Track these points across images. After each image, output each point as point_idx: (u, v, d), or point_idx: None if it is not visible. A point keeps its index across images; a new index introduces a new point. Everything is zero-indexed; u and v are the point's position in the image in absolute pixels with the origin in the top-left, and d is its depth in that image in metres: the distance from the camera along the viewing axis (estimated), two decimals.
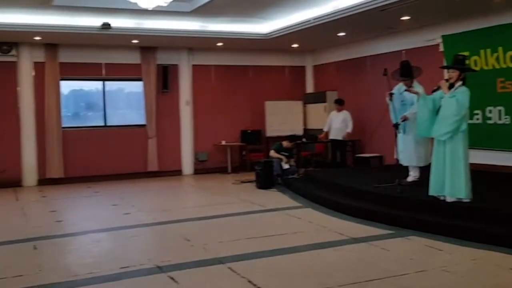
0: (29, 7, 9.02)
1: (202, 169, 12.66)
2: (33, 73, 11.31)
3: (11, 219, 7.87)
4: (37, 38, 10.58)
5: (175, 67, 12.50)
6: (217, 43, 11.79)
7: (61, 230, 7.10)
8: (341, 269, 4.91)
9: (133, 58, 12.03)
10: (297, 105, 13.33)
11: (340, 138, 11.03)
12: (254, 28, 11.12)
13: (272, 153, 10.59)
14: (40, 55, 11.28)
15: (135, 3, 7.66)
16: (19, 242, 6.30)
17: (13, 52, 11.07)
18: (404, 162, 7.65)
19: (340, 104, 11.19)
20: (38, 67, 11.31)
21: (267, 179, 9.98)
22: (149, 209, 8.41)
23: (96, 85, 12.21)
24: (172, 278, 4.70)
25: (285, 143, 10.60)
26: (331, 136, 11.19)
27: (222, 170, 12.59)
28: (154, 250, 6.03)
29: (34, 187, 11.10)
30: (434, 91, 6.50)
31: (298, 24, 10.22)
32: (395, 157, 7.62)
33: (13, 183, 10.96)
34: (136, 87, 12.46)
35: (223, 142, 12.66)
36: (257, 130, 13.01)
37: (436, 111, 6.42)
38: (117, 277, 4.86)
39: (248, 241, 6.09)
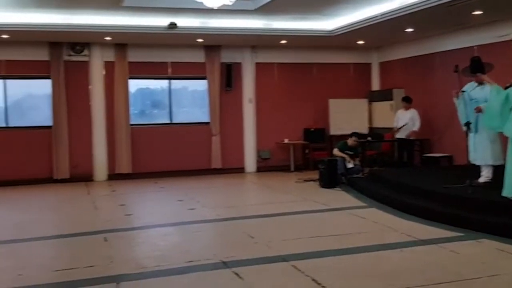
0: (100, 8, 9.38)
1: (264, 167, 12.71)
2: (104, 72, 11.76)
3: (83, 212, 8.23)
4: (108, 38, 10.99)
5: (238, 65, 12.61)
6: (280, 40, 11.78)
7: (130, 223, 7.35)
8: (408, 271, 4.77)
9: (198, 56, 12.25)
10: (362, 103, 13.09)
11: (404, 137, 10.76)
12: (319, 25, 11.02)
13: (336, 151, 10.46)
14: (110, 55, 11.71)
15: (201, 3, 7.78)
16: (91, 234, 6.57)
17: (85, 52, 11.56)
18: (477, 161, 7.33)
19: (407, 102, 10.89)
20: (108, 66, 11.74)
21: (331, 178, 9.87)
22: (213, 205, 8.53)
23: (161, 84, 12.54)
24: (236, 274, 4.74)
25: (350, 141, 10.43)
26: (398, 135, 10.91)
27: (285, 169, 12.58)
28: (218, 245, 6.10)
29: (104, 182, 11.54)
30: (507, 87, 6.21)
31: (364, 20, 10.03)
32: (469, 158, 7.32)
33: (85, 177, 11.45)
34: (200, 85, 12.68)
35: (286, 140, 12.64)
36: (321, 128, 12.89)
37: (510, 108, 6.13)
38: (183, 271, 4.96)
39: (311, 239, 6.04)
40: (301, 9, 9.84)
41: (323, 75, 13.15)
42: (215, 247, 5.96)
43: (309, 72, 13.13)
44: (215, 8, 7.92)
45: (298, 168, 12.57)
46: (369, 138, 11.67)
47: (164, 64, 12.13)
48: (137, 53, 11.81)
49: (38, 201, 9.27)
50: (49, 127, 11.35)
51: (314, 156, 12.50)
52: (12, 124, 11.35)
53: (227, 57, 12.43)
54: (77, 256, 5.56)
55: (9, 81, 11.32)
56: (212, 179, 11.59)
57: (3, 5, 8.84)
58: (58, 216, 8.08)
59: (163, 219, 7.53)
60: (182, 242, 6.24)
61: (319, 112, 12.91)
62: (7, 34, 10.14)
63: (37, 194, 10.07)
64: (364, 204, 8.18)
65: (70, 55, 11.46)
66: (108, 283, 4.64)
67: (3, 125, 11.31)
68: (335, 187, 9.74)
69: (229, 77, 12.43)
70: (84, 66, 11.61)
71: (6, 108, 11.32)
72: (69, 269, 5.08)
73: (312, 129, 12.87)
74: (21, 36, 10.42)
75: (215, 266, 5.05)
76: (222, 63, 12.37)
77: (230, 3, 7.72)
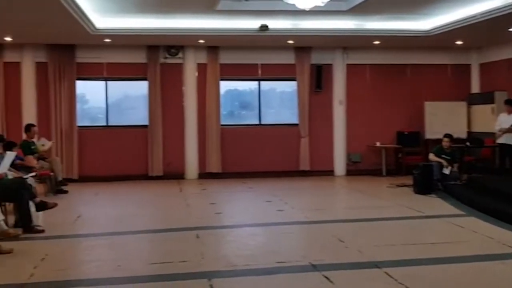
0: (195, 13, 9.65)
1: (354, 170, 12.44)
2: (196, 74, 12.09)
3: (176, 209, 8.49)
4: (201, 41, 11.30)
5: (329, 66, 12.45)
6: (373, 41, 11.49)
7: (220, 221, 7.50)
8: (510, 284, 4.43)
9: (288, 58, 12.25)
10: (461, 106, 12.43)
11: (510, 142, 10.02)
12: (415, 25, 10.61)
13: (432, 156, 9.99)
14: (202, 57, 12.03)
15: (293, 5, 7.76)
16: (183, 230, 6.75)
17: (180, 54, 11.96)
18: None
19: (511, 105, 10.17)
20: (201, 68, 12.06)
21: (425, 184, 9.44)
22: (302, 207, 8.46)
23: (249, 85, 12.69)
24: (327, 278, 4.65)
25: (444, 143, 9.93)
26: (500, 140, 10.21)
27: (376, 173, 12.24)
28: (308, 248, 6.02)
29: (195, 180, 11.86)
30: None
31: (463, 20, 9.53)
32: None
33: (178, 175, 11.83)
34: (288, 86, 12.68)
35: (378, 144, 12.30)
36: (415, 131, 12.40)
37: None
38: (273, 271, 4.95)
39: (405, 247, 5.82)
40: (396, 9, 9.53)
41: (418, 77, 12.66)
42: (304, 249, 5.90)
43: (402, 73, 12.69)
44: (307, 9, 7.87)
45: (390, 173, 12.18)
46: (467, 143, 11.05)
47: (254, 66, 12.26)
48: (228, 55, 12.03)
49: (135, 197, 9.70)
50: (145, 126, 11.86)
51: (407, 161, 12.06)
52: (112, 123, 11.99)
53: (318, 58, 12.32)
54: (171, 251, 5.72)
55: (110, 83, 11.97)
56: (300, 181, 11.52)
57: (107, 11, 9.36)
58: (153, 211, 8.39)
59: (252, 219, 7.58)
60: (271, 243, 6.24)
61: (413, 115, 12.43)
62: (109, 38, 10.72)
63: (133, 190, 10.55)
64: (462, 213, 7.74)
65: (165, 57, 11.91)
66: (200, 278, 4.73)
67: (104, 124, 11.97)
68: (430, 194, 9.30)
69: (319, 79, 12.31)
70: (178, 68, 12.01)
71: (107, 108, 11.99)
72: (164, 262, 5.26)
73: (405, 133, 12.42)
74: (122, 40, 10.98)
75: (304, 269, 5.00)
76: (312, 65, 12.28)
77: (322, 4, 7.63)
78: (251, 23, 10.20)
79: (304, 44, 11.93)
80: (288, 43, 11.63)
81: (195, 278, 4.76)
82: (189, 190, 10.61)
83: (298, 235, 6.75)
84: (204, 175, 11.96)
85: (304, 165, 12.25)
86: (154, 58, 11.81)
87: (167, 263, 5.22)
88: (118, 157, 11.70)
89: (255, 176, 11.83)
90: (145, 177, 11.69)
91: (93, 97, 12.31)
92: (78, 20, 8.78)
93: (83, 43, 11.29)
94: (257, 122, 12.51)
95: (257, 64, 12.28)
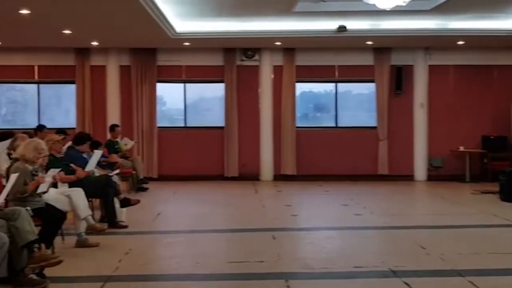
0: (272, 15, 9.69)
1: (436, 175, 11.96)
2: (272, 76, 12.14)
3: (252, 209, 8.53)
4: (278, 43, 11.33)
5: (409, 67, 12.07)
6: (457, 41, 11.00)
7: (296, 223, 7.45)
8: None
9: (366, 59, 12.01)
10: None
11: None
12: (501, 24, 10.05)
13: None
14: (279, 59, 12.05)
15: (373, 5, 7.58)
16: (259, 230, 6.78)
17: (256, 57, 12.05)
18: None
19: None
20: (277, 70, 12.09)
21: None
22: (380, 212, 8.23)
23: (324, 87, 12.56)
24: (407, 284, 4.48)
25: None
26: None
27: (459, 178, 11.69)
28: (387, 253, 5.84)
29: (270, 182, 11.89)
30: None
31: None
32: None
33: (252, 176, 11.92)
34: (365, 88, 12.44)
35: (461, 148, 11.74)
36: (502, 136, 11.72)
37: None
38: (350, 276, 4.87)
39: (491, 255, 5.50)
40: (482, 8, 9.09)
41: (505, 78, 11.98)
42: (383, 255, 5.72)
43: (489, 74, 12.06)
44: (388, 9, 7.66)
45: (474, 179, 11.60)
46: None
47: (331, 68, 12.12)
48: (304, 57, 11.98)
49: (211, 196, 9.86)
50: (221, 127, 12.06)
51: (493, 166, 11.43)
52: (189, 124, 12.29)
53: (398, 59, 11.98)
54: (248, 250, 5.75)
55: (188, 85, 12.28)
56: (378, 185, 11.21)
57: (187, 15, 9.62)
58: (229, 211, 8.50)
59: (328, 222, 7.49)
60: (348, 247, 6.11)
61: (501, 118, 11.76)
62: (188, 42, 11.00)
63: (210, 189, 10.73)
64: None
65: (242, 60, 12.06)
66: (277, 279, 4.72)
67: (182, 125, 12.30)
68: None
69: (399, 80, 11.96)
70: (254, 70, 12.11)
71: (185, 110, 12.31)
72: (241, 261, 5.29)
73: (491, 137, 11.77)
74: (200, 43, 11.23)
75: (383, 274, 4.86)
76: (392, 66, 11.96)
77: (404, 4, 7.40)
78: (329, 24, 10.09)
79: (384, 45, 11.64)
80: (367, 44, 11.40)
81: (272, 279, 4.76)
82: (264, 191, 10.66)
83: (377, 240, 6.56)
84: (279, 177, 11.97)
85: (383, 169, 11.94)
86: (231, 60, 11.98)
87: (244, 262, 5.26)
88: (195, 158, 11.97)
89: (331, 179, 11.66)
90: (221, 177, 11.88)
91: (171, 99, 12.69)
92: (160, 24, 9.09)
93: (163, 46, 11.67)
94: (333, 125, 12.35)
95: (334, 66, 12.13)
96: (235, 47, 11.85)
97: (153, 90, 11.96)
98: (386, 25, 10.22)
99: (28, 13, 7.99)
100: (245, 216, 7.97)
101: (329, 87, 12.50)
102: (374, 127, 12.07)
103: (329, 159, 12.01)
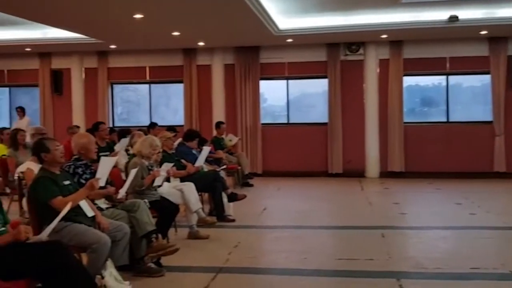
0: (377, 7, 9.41)
1: None
2: (378, 70, 11.80)
3: (358, 207, 8.36)
4: (383, 36, 10.98)
5: None
6: None
7: (405, 222, 7.18)
8: None
9: (480, 50, 11.27)
10: None
11: None
12: None
13: None
14: (384, 53, 11.69)
15: None
16: (367, 228, 6.64)
17: (361, 51, 11.78)
18: None
19: None
20: (383, 64, 11.73)
21: None
22: (498, 212, 7.70)
23: (432, 80, 12.00)
24: None
25: None
26: None
27: None
28: (507, 255, 5.44)
29: (376, 179, 11.57)
30: None
31: None
32: None
33: (358, 173, 11.67)
34: (477, 81, 11.70)
35: None
36: None
37: None
38: (466, 277, 4.65)
39: None
40: None
41: None
42: (502, 256, 5.35)
43: None
44: None
45: None
46: None
47: (441, 60, 11.52)
48: (412, 49, 11.50)
49: (316, 193, 9.80)
50: (324, 123, 11.95)
51: None
52: (292, 120, 12.32)
53: None
54: (356, 248, 5.65)
55: (290, 81, 12.31)
56: (494, 183, 10.49)
57: (289, 12, 9.63)
58: (335, 208, 8.40)
59: (440, 221, 7.12)
60: (463, 247, 5.78)
61: None
62: (291, 38, 11.02)
63: (314, 186, 10.68)
64: None
65: (346, 54, 11.85)
66: (388, 278, 4.60)
67: (285, 121, 12.36)
68: None
69: None
70: (359, 65, 11.84)
71: (288, 106, 12.36)
72: (349, 259, 5.22)
73: None
74: (303, 40, 11.19)
75: (503, 277, 4.60)
76: (509, 56, 11.13)
77: None
78: (439, 15, 9.60)
79: (500, 34, 10.86)
80: (481, 34, 10.69)
81: (383, 277, 4.65)
82: (370, 188, 10.40)
83: (495, 241, 6.13)
84: (386, 174, 11.62)
85: (499, 166, 11.15)
86: (334, 55, 11.83)
87: (353, 260, 5.18)
88: (299, 154, 11.97)
89: (442, 177, 11.11)
90: (325, 174, 11.78)
91: (274, 95, 12.79)
92: (264, 22, 9.18)
93: (266, 44, 11.79)
94: (444, 119, 11.75)
95: (445, 58, 11.52)
96: (338, 42, 11.68)
97: (256, 88, 12.13)
98: (502, 13, 9.52)
99: (142, 17, 8.44)
100: (352, 213, 7.82)
101: (437, 80, 11.91)
102: (490, 122, 11.30)
103: (439, 156, 11.43)
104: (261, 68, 12.12)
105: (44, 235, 3.50)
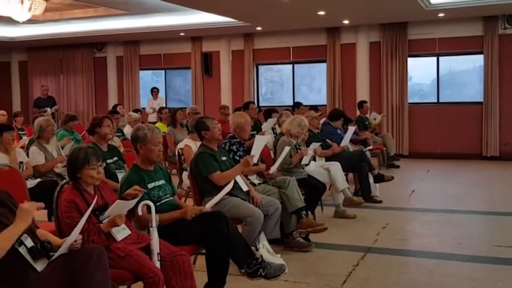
0: None
1: None
2: None
3: None
4: None
5: None
6: None
7: None
8: None
9: None
10: None
11: None
12: None
13: None
14: None
15: None
16: None
17: None
18: None
19: None
20: None
21: None
22: None
23: None
24: None
25: None
26: None
27: None
28: None
29: None
30: None
31: None
32: None
33: None
34: None
35: None
36: None
37: None
38: None
39: None
40: None
41: None
42: None
43: None
44: None
45: None
46: None
47: None
48: None
49: (468, 176, 9.17)
50: (479, 103, 11.12)
51: None
52: (442, 100, 11.66)
53: None
54: None
55: (441, 58, 11.62)
56: None
57: None
58: (491, 192, 7.77)
59: None
60: None
61: None
62: (443, 13, 10.36)
63: (466, 169, 9.99)
64: None
65: (505, 28, 10.86)
66: None
67: (435, 100, 11.73)
68: None
69: None
70: None
71: (438, 85, 11.70)
72: (507, 246, 4.88)
73: None
74: (457, 13, 10.46)
75: None
76: None
77: None
78: None
79: None
80: None
81: None
82: None
83: None
84: None
85: None
86: (491, 29, 10.89)
87: (511, 247, 4.80)
88: (449, 135, 11.31)
89: None
90: (478, 156, 10.98)
91: (421, 73, 12.19)
92: None
93: (415, 20, 11.24)
94: None
95: None
96: (496, 14, 10.72)
97: (404, 65, 11.64)
98: None
99: None
100: (510, 199, 7.21)
101: None
102: None
103: None
104: (409, 45, 11.61)
105: (208, 207, 3.76)
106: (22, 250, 2.35)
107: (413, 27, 11.53)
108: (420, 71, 12.07)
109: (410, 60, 11.77)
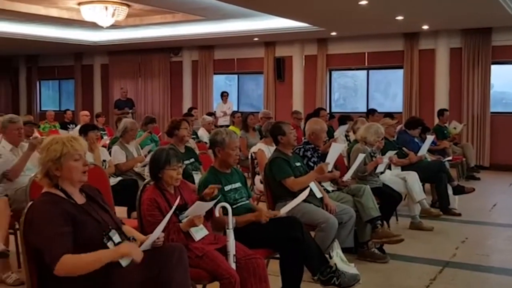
0: None
1: None
2: None
3: None
4: None
5: None
6: None
7: None
8: None
9: None
10: None
11: None
12: None
13: None
14: None
15: None
16: None
17: None
18: None
19: None
20: None
21: None
22: None
23: None
24: None
25: None
26: None
27: None
28: None
29: None
30: None
31: None
32: None
33: None
34: None
35: None
36: None
37: None
38: None
39: None
40: None
41: None
42: None
43: None
44: None
45: None
46: None
47: None
48: None
49: None
50: None
51: None
52: None
53: None
54: None
55: None
56: None
57: None
58: None
59: None
60: None
61: None
62: None
63: None
64: None
65: None
66: None
67: None
68: None
69: None
70: None
71: None
72: None
73: None
74: None
75: None
76: None
77: None
78: None
79: None
80: None
81: None
82: None
83: None
84: None
85: None
86: None
87: None
88: None
89: None
90: None
91: (502, 81, 11.57)
92: (500, 1, 8.32)
93: (500, 25, 10.69)
94: None
95: None
96: None
97: (486, 73, 11.08)
98: None
99: (366, 4, 8.38)
100: None
101: None
102: None
103: None
104: (493, 51, 11.06)
105: (283, 212, 3.75)
106: (110, 245, 2.45)
107: (498, 33, 10.97)
108: (504, 79, 11.46)
109: (493, 68, 11.22)
